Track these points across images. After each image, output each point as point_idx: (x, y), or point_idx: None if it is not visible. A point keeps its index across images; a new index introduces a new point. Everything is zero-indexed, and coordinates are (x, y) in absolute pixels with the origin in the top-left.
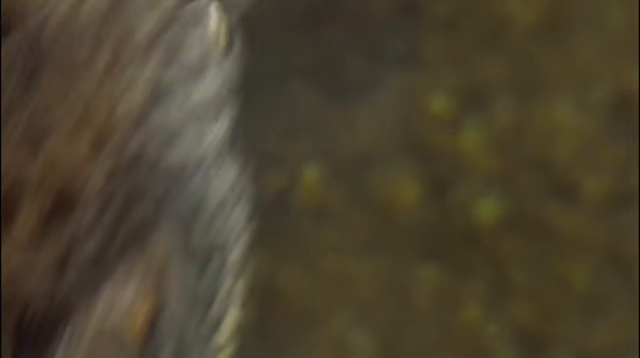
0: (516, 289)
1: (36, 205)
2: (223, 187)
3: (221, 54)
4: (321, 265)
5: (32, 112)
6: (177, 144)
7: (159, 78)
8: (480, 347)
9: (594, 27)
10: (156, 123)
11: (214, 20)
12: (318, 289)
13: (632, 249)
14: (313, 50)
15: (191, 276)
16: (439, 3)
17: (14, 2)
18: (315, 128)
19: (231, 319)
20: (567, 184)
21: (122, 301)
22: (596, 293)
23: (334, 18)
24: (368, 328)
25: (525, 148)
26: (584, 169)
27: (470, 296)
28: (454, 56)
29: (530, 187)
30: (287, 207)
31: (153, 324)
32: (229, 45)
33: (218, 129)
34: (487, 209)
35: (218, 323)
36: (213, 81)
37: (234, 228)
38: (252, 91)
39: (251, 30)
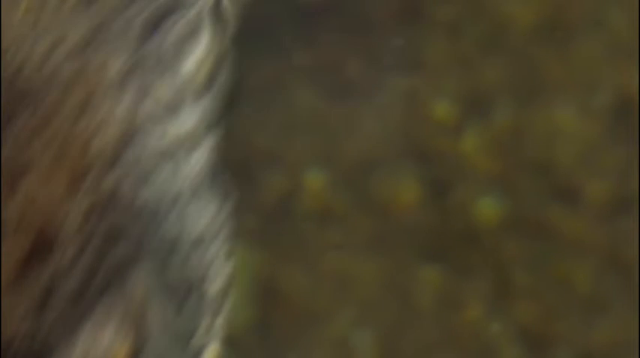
0: (518, 290)
1: (16, 245)
2: (201, 223)
3: (199, 89)
4: (322, 265)
5: (9, 152)
6: (152, 181)
7: (132, 115)
8: (482, 347)
9: (596, 31)
10: (130, 161)
11: (197, 55)
12: (319, 289)
13: (632, 252)
14: (313, 51)
15: (170, 312)
16: (441, 6)
17: None
18: (317, 130)
19: (212, 353)
20: (569, 187)
21: (102, 341)
22: (597, 294)
23: (336, 20)
24: (369, 328)
25: (526, 151)
26: (585, 173)
27: (471, 297)
28: (456, 59)
29: (531, 190)
30: (287, 207)
31: None
32: (211, 79)
33: (194, 165)
34: (488, 210)
35: (198, 356)
36: (189, 117)
37: (213, 263)
38: (253, 92)
39: (251, 30)
